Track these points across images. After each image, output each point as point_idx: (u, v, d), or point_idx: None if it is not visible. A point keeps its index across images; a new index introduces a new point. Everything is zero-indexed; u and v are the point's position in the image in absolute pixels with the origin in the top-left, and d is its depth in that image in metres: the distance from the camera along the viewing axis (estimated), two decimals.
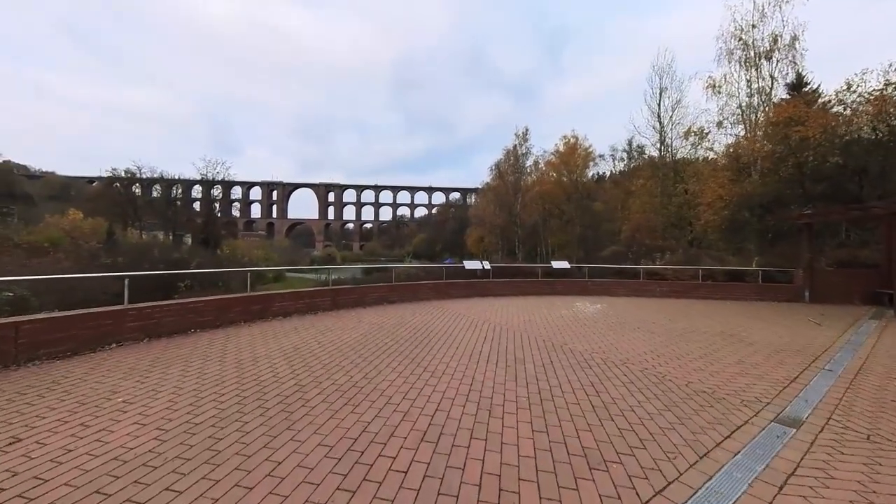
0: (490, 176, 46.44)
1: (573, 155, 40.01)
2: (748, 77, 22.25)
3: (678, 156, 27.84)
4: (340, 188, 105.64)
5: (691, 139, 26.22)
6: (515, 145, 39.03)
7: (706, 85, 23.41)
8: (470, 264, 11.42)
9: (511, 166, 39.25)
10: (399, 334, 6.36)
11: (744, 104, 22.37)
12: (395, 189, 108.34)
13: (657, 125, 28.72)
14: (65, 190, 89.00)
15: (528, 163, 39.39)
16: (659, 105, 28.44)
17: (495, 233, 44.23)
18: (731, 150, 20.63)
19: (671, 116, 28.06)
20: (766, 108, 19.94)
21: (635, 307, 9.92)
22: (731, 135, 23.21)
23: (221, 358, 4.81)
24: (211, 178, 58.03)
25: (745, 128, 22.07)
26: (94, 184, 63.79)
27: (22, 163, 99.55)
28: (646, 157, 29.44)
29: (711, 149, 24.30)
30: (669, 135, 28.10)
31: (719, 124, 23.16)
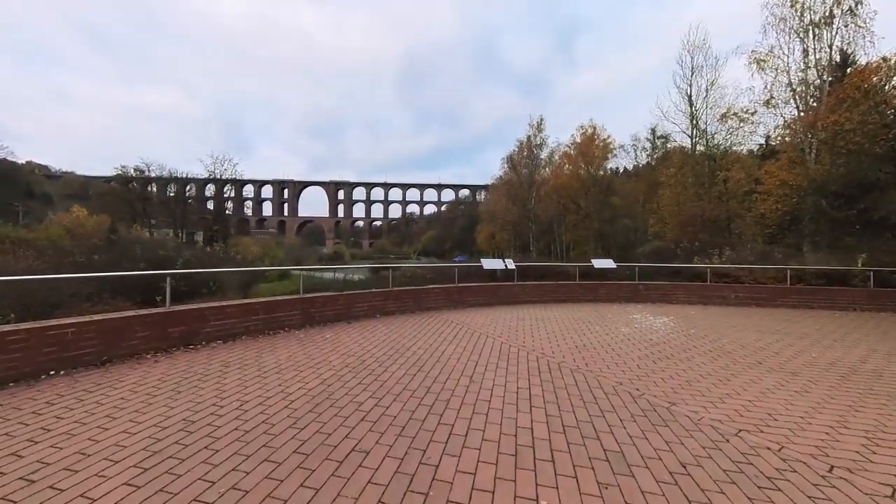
0: (502, 169, 43.60)
1: (591, 146, 36.86)
2: (804, 47, 19.01)
3: (715, 141, 24.58)
4: (350, 186, 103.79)
5: (730, 122, 22.93)
6: (529, 136, 36.08)
7: (749, 60, 20.26)
8: (489, 263, 8.79)
9: (525, 158, 36.28)
10: (386, 383, 3.77)
11: (795, 80, 19.18)
12: (405, 186, 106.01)
13: (688, 109, 25.46)
14: (83, 189, 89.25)
15: (543, 154, 36.36)
16: (690, 86, 25.16)
17: (507, 229, 41.36)
18: (792, 128, 17.47)
19: (705, 98, 24.74)
20: (832, 78, 16.67)
21: (717, 321, 7.16)
22: (781, 115, 20.10)
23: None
24: (219, 176, 56.57)
25: (798, 105, 18.93)
26: (112, 183, 63.13)
27: (43, 163, 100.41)
28: (676, 143, 26.16)
29: (755, 132, 21.10)
30: (704, 118, 24.81)
31: (767, 103, 20.00)
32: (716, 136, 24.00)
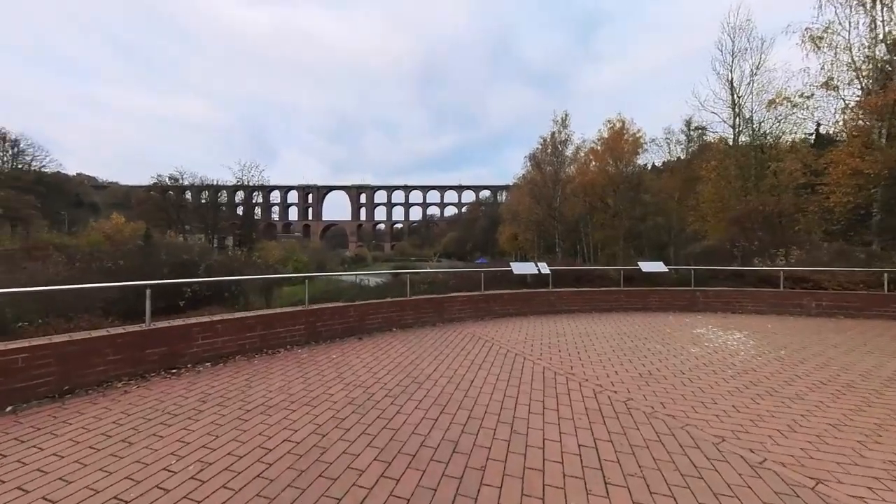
0: (524, 168, 42.10)
1: (620, 141, 34.78)
2: (870, 19, 16.86)
3: (762, 130, 22.35)
4: (371, 189, 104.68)
5: (781, 108, 20.71)
6: (553, 133, 34.48)
7: (802, 39, 18.15)
8: (520, 268, 7.71)
9: (549, 155, 34.71)
10: (398, 433, 2.81)
11: (859, 58, 17.01)
12: (425, 188, 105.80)
13: (729, 97, 23.33)
14: (126, 198, 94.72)
15: (569, 151, 34.65)
16: (731, 71, 23.01)
17: (531, 229, 39.82)
18: (857, 111, 15.36)
19: (750, 84, 22.53)
20: None
21: (806, 337, 5.78)
22: (842, 98, 17.86)
23: None
24: (246, 182, 58.13)
25: (863, 86, 16.77)
26: (151, 192, 66.52)
27: (91, 174, 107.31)
28: (716, 134, 23.97)
29: (811, 118, 18.88)
30: (749, 106, 22.60)
31: (826, 84, 17.84)
32: (762, 124, 21.79)
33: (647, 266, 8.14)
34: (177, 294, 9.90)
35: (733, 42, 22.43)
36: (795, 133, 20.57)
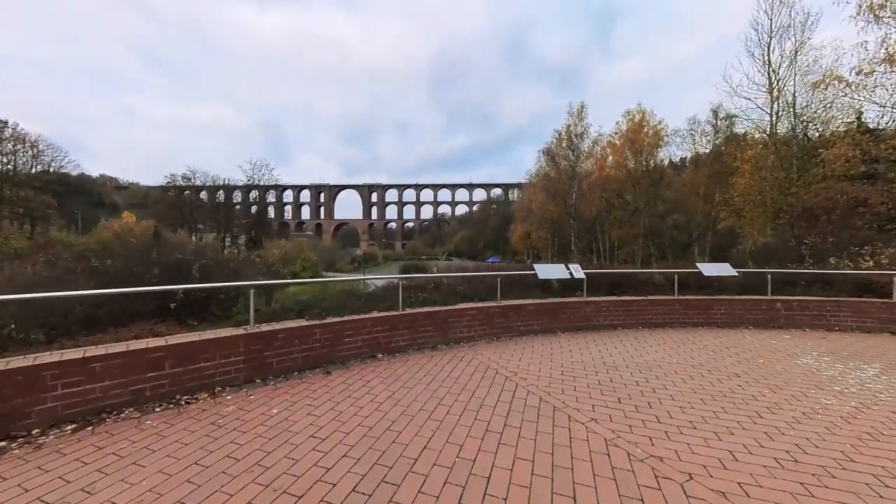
0: (537, 164, 39.96)
1: (640, 133, 32.37)
2: None
3: (806, 115, 19.90)
4: (383, 188, 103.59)
5: (830, 90, 18.24)
6: (569, 125, 32.28)
7: (858, 10, 15.68)
8: (545, 271, 5.93)
9: (565, 150, 32.55)
10: None
11: None
12: (436, 187, 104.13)
13: (766, 80, 20.87)
14: (146, 198, 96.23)
15: (585, 145, 32.41)
16: (769, 51, 20.60)
17: (545, 227, 37.69)
18: None
19: (791, 64, 20.06)
20: None
21: None
22: None
23: None
24: (258, 181, 57.61)
25: None
26: (170, 193, 66.75)
27: (113, 175, 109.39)
28: (751, 121, 21.51)
29: (870, 99, 16.44)
30: (790, 88, 20.14)
31: (891, 59, 15.39)
32: (807, 108, 19.33)
33: (710, 269, 6.26)
34: (163, 297, 8.52)
35: (771, 20, 20.04)
36: (848, 118, 18.07)
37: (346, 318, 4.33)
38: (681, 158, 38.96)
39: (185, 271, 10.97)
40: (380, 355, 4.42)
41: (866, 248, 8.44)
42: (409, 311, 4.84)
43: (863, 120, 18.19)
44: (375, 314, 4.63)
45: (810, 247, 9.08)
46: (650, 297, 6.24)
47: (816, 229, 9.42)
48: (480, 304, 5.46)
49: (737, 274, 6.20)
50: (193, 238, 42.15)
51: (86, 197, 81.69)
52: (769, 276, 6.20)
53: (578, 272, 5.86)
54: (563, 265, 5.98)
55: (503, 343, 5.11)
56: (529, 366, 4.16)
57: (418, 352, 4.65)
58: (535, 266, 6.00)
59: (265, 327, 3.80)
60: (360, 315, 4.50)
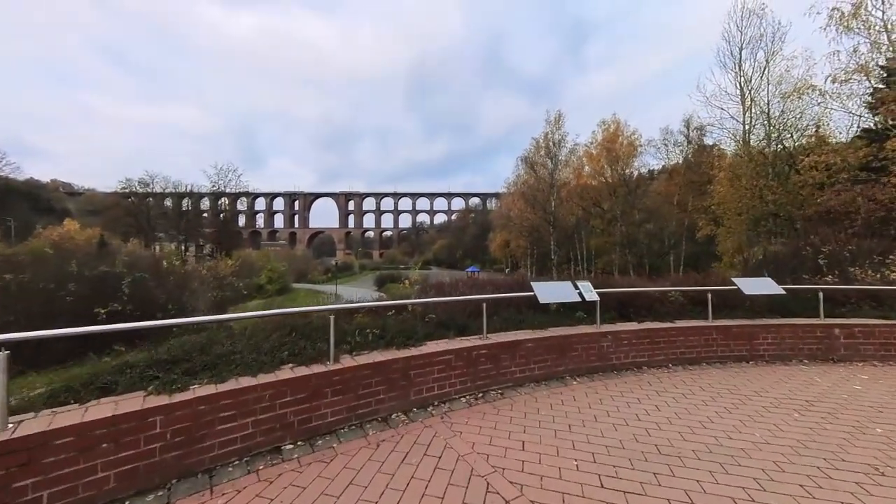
0: (515, 172, 39.10)
1: (615, 142, 32.12)
2: None
3: (780, 123, 19.79)
4: (360, 196, 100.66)
5: (805, 98, 18.11)
6: (547, 133, 31.60)
7: (828, 22, 15.54)
8: (547, 292, 4.26)
9: (543, 157, 31.78)
10: None
11: None
12: (415, 196, 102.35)
13: (737, 91, 20.77)
14: (102, 205, 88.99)
15: (563, 154, 31.78)
16: (740, 62, 20.52)
17: (524, 235, 36.67)
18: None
19: (763, 74, 19.97)
20: None
21: None
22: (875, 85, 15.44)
23: None
24: (223, 188, 53.74)
25: None
26: (130, 199, 60.77)
27: (66, 181, 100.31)
28: (724, 130, 21.23)
29: (843, 107, 16.30)
30: (764, 97, 20.03)
31: (863, 69, 15.27)
32: (782, 117, 19.17)
33: (750, 285, 4.83)
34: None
35: (741, 32, 19.99)
36: (825, 125, 17.92)
37: (223, 387, 2.46)
38: (653, 169, 39.20)
39: (112, 287, 8.47)
40: (285, 446, 2.57)
41: (892, 256, 7.42)
42: (344, 364, 3.02)
43: (833, 128, 18.14)
44: (288, 371, 2.78)
45: (827, 255, 7.99)
46: (679, 324, 4.72)
47: (839, 235, 8.33)
48: (459, 344, 3.71)
49: (783, 292, 4.80)
50: (146, 248, 38.11)
51: (31, 203, 73.91)
52: (821, 294, 4.84)
53: (590, 293, 4.26)
54: (569, 283, 4.37)
55: (492, 406, 3.38)
56: (541, 462, 2.44)
57: (357, 431, 2.84)
58: (534, 285, 4.33)
59: (28, 431, 1.88)
60: (255, 379, 2.63)
